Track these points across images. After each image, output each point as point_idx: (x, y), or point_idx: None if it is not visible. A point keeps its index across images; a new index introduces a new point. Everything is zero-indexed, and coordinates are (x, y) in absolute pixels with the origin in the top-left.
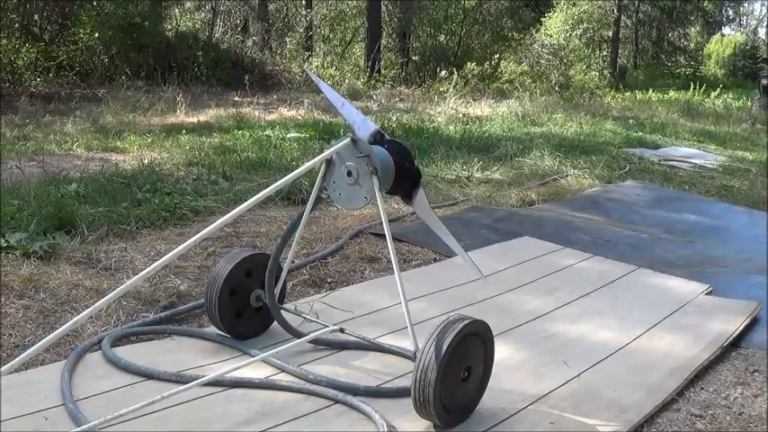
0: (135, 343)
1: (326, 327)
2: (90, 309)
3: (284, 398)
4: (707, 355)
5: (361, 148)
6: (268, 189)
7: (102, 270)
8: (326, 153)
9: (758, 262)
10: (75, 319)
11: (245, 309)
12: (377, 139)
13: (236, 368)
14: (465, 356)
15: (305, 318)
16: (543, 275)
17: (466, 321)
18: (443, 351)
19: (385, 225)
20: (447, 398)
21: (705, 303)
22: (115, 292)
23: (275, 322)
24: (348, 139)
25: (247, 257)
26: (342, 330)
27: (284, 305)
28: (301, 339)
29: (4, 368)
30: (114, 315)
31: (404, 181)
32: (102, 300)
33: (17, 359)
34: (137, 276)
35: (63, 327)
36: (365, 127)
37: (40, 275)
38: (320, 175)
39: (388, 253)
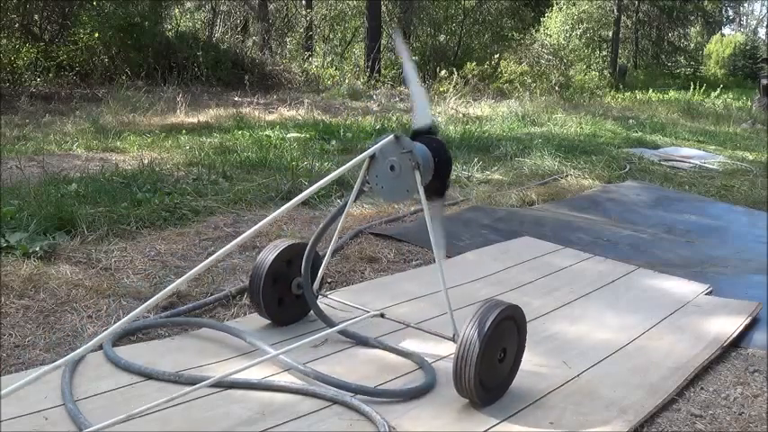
0: (135, 342)
1: (367, 312)
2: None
3: (284, 398)
4: (707, 355)
5: (404, 145)
6: (318, 184)
7: (102, 270)
8: (371, 150)
9: (758, 262)
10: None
11: (286, 296)
12: (424, 132)
13: (250, 366)
14: (502, 339)
15: (345, 305)
16: (543, 275)
17: (503, 306)
18: (485, 332)
19: (427, 216)
20: (485, 376)
21: (705, 303)
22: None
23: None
24: (392, 136)
25: (288, 247)
26: (382, 315)
27: (322, 293)
28: (334, 329)
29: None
30: (114, 315)
31: (439, 178)
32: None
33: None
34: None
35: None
36: (424, 117)
37: (40, 275)
38: (363, 169)
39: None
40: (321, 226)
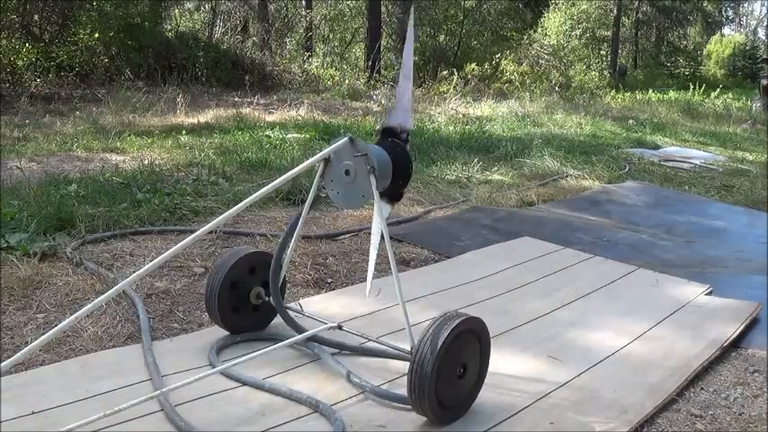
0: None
1: (325, 324)
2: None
3: (284, 398)
4: (707, 355)
5: (359, 147)
6: (266, 188)
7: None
8: (324, 152)
9: (758, 262)
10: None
11: (243, 305)
12: (394, 133)
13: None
14: (460, 353)
15: (305, 315)
16: (543, 276)
17: (461, 318)
18: (438, 347)
19: (382, 225)
20: (443, 394)
21: (705, 303)
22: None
23: (270, 322)
24: (346, 138)
25: (249, 255)
26: (339, 327)
27: (287, 305)
28: (299, 337)
29: (3, 363)
30: (114, 315)
31: (398, 181)
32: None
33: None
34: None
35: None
36: (401, 117)
37: (40, 276)
38: (318, 173)
39: (387, 253)
40: (283, 237)
